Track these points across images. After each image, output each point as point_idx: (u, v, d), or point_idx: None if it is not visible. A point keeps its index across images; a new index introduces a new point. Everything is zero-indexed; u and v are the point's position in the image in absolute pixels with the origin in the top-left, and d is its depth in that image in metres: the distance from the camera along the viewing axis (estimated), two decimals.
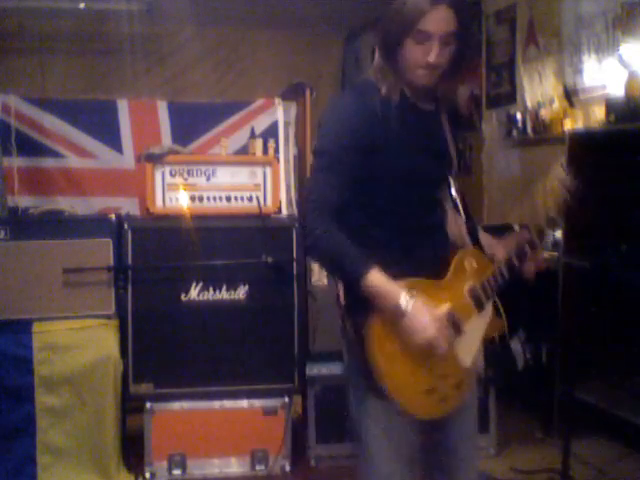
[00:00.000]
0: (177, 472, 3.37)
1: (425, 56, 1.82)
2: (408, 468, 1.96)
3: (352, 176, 1.85)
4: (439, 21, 1.80)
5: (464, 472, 2.06)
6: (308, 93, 5.56)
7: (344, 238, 1.82)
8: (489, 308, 2.02)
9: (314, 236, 1.82)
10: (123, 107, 4.51)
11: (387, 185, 1.89)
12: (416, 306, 1.78)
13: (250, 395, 3.45)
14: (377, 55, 1.91)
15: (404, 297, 1.78)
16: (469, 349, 1.96)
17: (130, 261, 3.39)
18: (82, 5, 6.00)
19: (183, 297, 3.41)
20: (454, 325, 1.87)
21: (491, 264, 2.00)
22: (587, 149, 3.68)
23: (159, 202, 3.47)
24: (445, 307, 1.86)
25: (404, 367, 1.85)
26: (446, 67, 1.87)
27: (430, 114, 1.97)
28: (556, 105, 4.39)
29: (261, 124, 4.19)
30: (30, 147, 4.39)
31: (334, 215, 1.83)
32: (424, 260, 1.92)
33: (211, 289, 3.44)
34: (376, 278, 1.79)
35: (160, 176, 3.50)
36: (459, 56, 1.88)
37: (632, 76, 3.60)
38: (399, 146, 1.86)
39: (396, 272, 1.82)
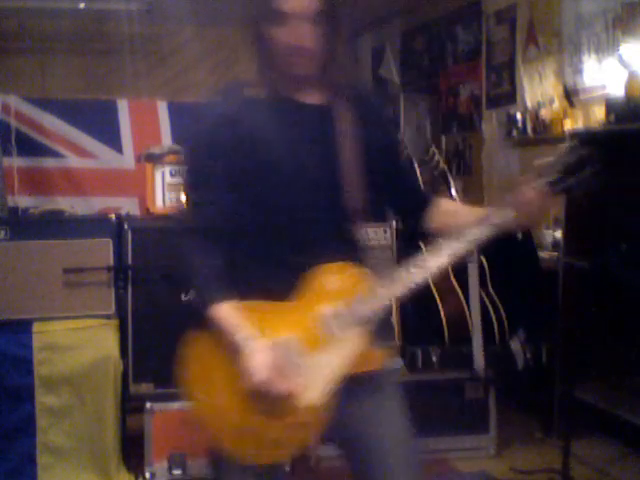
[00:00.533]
0: (177, 472, 3.36)
1: (290, 39, 1.62)
2: None
3: (226, 186, 1.68)
4: None
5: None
6: None
7: (206, 261, 1.66)
8: (356, 335, 1.64)
9: (183, 255, 1.71)
10: (123, 107, 4.52)
11: (255, 189, 1.68)
12: (253, 347, 1.59)
13: None
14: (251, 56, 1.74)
15: (245, 335, 1.60)
16: (316, 384, 1.62)
17: (130, 261, 3.38)
18: (82, 5, 6.01)
19: (183, 297, 3.40)
20: (296, 357, 1.63)
21: (367, 281, 1.65)
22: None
23: (159, 202, 3.47)
24: (283, 340, 1.63)
25: (221, 402, 1.65)
26: (322, 51, 1.66)
27: (315, 108, 1.72)
28: (556, 105, 4.39)
29: None
30: (30, 147, 4.40)
31: (203, 232, 1.69)
32: (288, 276, 1.66)
33: None
34: (223, 310, 1.63)
35: (160, 176, 3.50)
36: (334, 37, 1.66)
37: (632, 76, 3.60)
38: (260, 148, 1.66)
39: (250, 289, 1.66)
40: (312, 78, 1.70)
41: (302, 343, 1.64)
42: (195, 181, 1.75)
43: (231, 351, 1.61)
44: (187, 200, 1.79)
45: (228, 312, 1.63)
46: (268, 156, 1.66)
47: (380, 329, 1.70)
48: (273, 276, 1.68)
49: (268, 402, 1.60)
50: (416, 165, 3.50)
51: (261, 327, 1.65)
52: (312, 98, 1.73)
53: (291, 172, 1.67)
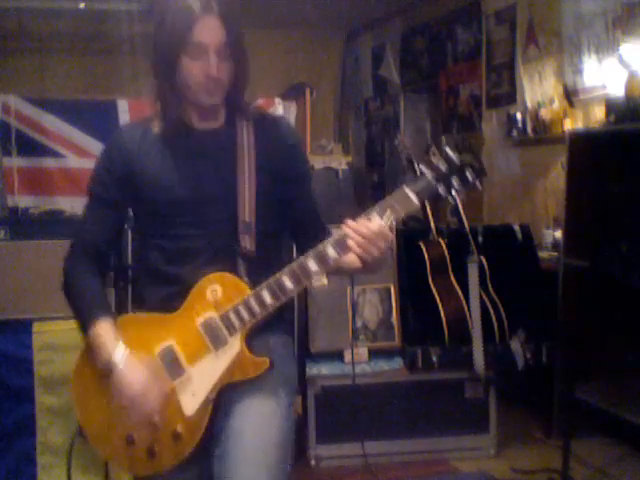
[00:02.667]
0: None
1: (204, 72, 1.65)
2: None
3: (117, 211, 1.82)
4: (211, 30, 1.64)
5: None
6: (308, 93, 5.57)
7: (90, 282, 1.79)
8: (235, 345, 1.67)
9: (61, 281, 1.84)
10: (123, 107, 4.53)
11: (150, 215, 1.78)
12: (127, 364, 1.66)
13: None
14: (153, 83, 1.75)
15: (119, 352, 1.67)
16: (194, 394, 1.68)
17: (130, 261, 3.38)
18: (82, 5, 6.01)
19: None
20: (172, 368, 1.68)
21: (246, 291, 1.68)
22: (587, 149, 3.69)
23: None
24: (157, 350, 1.69)
25: (102, 414, 1.71)
26: (229, 84, 1.71)
27: (210, 133, 1.78)
28: (556, 105, 4.39)
29: None
30: (30, 147, 4.40)
31: (92, 253, 1.81)
32: (176, 289, 1.72)
33: None
34: (99, 328, 1.70)
35: None
36: (240, 70, 1.72)
37: (632, 76, 3.60)
38: (156, 176, 1.74)
39: (139, 303, 1.76)
40: (216, 106, 1.76)
41: (182, 353, 1.69)
42: (91, 203, 1.84)
43: (105, 370, 1.68)
44: (81, 218, 1.87)
45: (104, 329, 1.70)
46: (154, 185, 1.74)
47: (272, 324, 1.75)
48: (158, 289, 1.76)
49: (137, 417, 1.67)
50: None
51: (140, 340, 1.71)
52: (210, 124, 1.78)
53: (176, 198, 1.73)
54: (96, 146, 4.46)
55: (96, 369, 1.71)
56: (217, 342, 1.67)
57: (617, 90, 3.75)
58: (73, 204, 4.03)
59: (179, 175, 1.73)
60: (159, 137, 1.76)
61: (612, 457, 3.51)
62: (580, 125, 4.21)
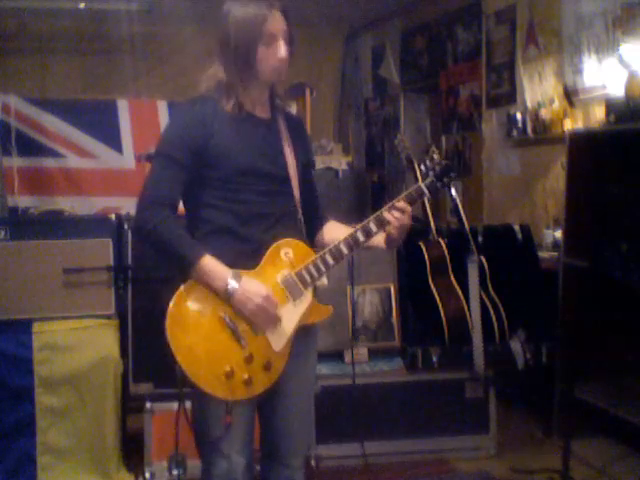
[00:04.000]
0: (177, 472, 3.36)
1: (277, 55, 2.03)
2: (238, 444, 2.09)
3: (187, 173, 2.02)
4: (278, 21, 2.04)
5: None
6: (308, 93, 5.57)
7: (177, 228, 1.99)
8: (307, 296, 2.09)
9: (147, 229, 1.97)
10: (123, 107, 4.53)
11: (221, 181, 2.03)
12: (245, 279, 1.96)
13: None
14: (216, 73, 2.09)
15: (232, 276, 1.95)
16: (280, 334, 2.04)
17: (130, 261, 3.39)
18: (82, 5, 6.01)
19: None
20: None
21: (312, 254, 2.09)
22: (587, 149, 3.69)
23: None
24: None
25: (200, 350, 1.95)
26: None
27: (265, 122, 2.14)
28: (556, 105, 4.39)
29: None
30: (30, 147, 4.40)
31: (168, 207, 1.99)
32: (250, 248, 2.04)
33: None
34: (207, 262, 1.95)
35: None
36: (291, 52, 2.08)
37: (632, 76, 3.60)
38: (231, 148, 2.03)
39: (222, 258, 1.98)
40: (272, 85, 2.13)
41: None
42: (162, 164, 2.03)
43: (223, 291, 1.95)
44: (153, 176, 2.04)
45: (212, 262, 1.96)
46: (231, 154, 2.03)
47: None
48: (233, 246, 2.04)
49: (236, 345, 1.97)
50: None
51: None
52: (262, 111, 2.14)
53: (248, 167, 2.05)
54: (96, 146, 4.47)
55: (194, 307, 1.97)
56: (295, 293, 2.06)
57: (617, 90, 3.75)
58: (73, 204, 4.04)
59: (249, 149, 2.06)
60: (229, 115, 2.04)
61: (612, 457, 3.51)
62: (580, 125, 4.21)
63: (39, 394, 3.17)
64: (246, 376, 1.97)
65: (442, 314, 3.56)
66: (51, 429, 3.20)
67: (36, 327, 3.20)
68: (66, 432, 3.21)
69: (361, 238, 2.09)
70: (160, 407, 3.35)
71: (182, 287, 1.99)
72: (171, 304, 1.98)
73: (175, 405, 3.33)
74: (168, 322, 1.95)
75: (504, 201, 5.15)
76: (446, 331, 3.56)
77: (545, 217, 4.59)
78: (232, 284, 1.95)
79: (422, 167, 2.23)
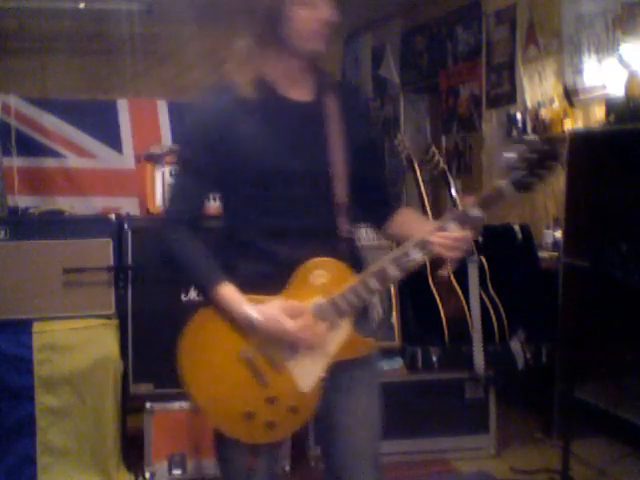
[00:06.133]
0: (177, 472, 3.36)
1: (315, 16, 1.65)
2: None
3: (211, 177, 1.76)
4: None
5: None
6: None
7: (198, 247, 1.75)
8: (344, 328, 1.73)
9: (165, 246, 1.78)
10: (123, 107, 4.53)
11: (244, 185, 1.74)
12: (262, 308, 1.68)
13: None
14: (241, 47, 1.73)
15: (248, 305, 1.69)
16: (308, 372, 1.73)
17: (130, 261, 3.38)
18: (82, 5, 6.00)
19: (183, 297, 3.40)
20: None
21: (351, 277, 1.71)
22: (587, 149, 3.68)
23: (159, 202, 3.47)
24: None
25: (218, 388, 1.75)
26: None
27: (304, 107, 1.76)
28: (556, 105, 4.39)
29: None
30: (30, 147, 4.40)
31: (186, 222, 1.77)
32: (275, 269, 1.73)
33: None
34: (224, 290, 1.70)
35: (160, 176, 3.50)
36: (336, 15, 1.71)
37: (632, 76, 3.60)
38: (252, 143, 1.70)
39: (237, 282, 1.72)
40: (317, 56, 1.72)
41: None
42: (184, 169, 1.80)
43: (242, 321, 1.68)
44: (172, 188, 1.85)
45: (229, 291, 1.70)
46: (253, 153, 1.70)
47: (361, 319, 1.79)
48: (260, 269, 1.74)
49: (257, 384, 1.71)
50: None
51: None
52: (301, 93, 1.76)
53: (276, 169, 1.71)
54: (96, 146, 4.47)
55: (208, 339, 1.75)
56: (332, 322, 1.71)
57: (617, 90, 3.74)
58: (73, 204, 4.03)
59: (277, 144, 1.71)
60: (254, 101, 1.71)
61: (612, 457, 3.51)
62: (580, 125, 4.21)
63: (39, 394, 3.16)
64: (267, 419, 1.74)
65: (442, 314, 3.56)
66: (51, 429, 3.19)
67: (36, 327, 3.19)
68: (66, 432, 3.21)
69: (416, 259, 1.76)
70: (160, 407, 3.35)
71: (200, 311, 1.78)
72: (186, 330, 1.80)
73: (175, 405, 3.36)
74: (181, 354, 1.80)
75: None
76: (446, 331, 3.56)
77: (545, 217, 4.59)
78: (250, 313, 1.67)
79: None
